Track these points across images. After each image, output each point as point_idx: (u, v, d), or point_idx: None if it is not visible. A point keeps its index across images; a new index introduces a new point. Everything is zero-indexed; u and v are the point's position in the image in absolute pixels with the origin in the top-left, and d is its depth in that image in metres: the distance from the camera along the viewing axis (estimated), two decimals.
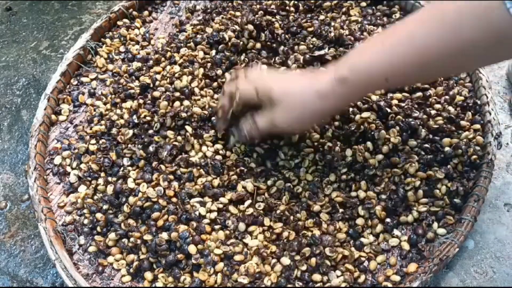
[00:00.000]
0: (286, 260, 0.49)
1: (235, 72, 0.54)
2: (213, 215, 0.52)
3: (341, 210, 0.53)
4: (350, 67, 0.46)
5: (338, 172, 0.55)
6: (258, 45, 0.65)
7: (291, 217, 0.52)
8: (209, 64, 0.64)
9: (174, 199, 0.54)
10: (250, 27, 0.64)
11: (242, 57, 0.64)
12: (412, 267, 0.50)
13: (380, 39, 0.47)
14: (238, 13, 0.69)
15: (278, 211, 0.52)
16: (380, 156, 0.55)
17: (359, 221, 0.53)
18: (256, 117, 0.51)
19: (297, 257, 0.49)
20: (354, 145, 0.56)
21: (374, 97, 0.58)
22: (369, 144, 0.56)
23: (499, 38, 0.39)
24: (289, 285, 0.48)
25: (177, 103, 0.59)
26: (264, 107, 0.50)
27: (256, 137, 0.54)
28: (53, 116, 0.63)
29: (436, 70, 0.47)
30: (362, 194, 0.54)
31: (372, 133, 0.56)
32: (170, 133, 0.57)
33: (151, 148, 0.56)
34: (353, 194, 0.54)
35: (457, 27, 0.40)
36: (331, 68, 0.48)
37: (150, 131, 0.58)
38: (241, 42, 0.64)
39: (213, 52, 0.65)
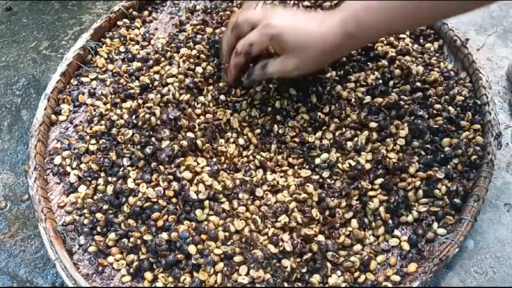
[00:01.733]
0: (286, 262, 0.49)
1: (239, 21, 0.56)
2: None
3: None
4: (359, 24, 0.49)
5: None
6: None
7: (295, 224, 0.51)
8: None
9: (174, 200, 0.54)
10: None
11: None
12: (412, 267, 0.50)
13: None
14: None
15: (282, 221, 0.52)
16: None
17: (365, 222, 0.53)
18: (266, 63, 0.56)
19: (298, 260, 0.49)
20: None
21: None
22: None
23: None
24: (288, 286, 0.48)
25: None
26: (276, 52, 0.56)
27: (262, 81, 0.60)
28: (53, 116, 0.63)
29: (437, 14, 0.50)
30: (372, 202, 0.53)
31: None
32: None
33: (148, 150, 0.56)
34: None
35: None
36: (336, 17, 0.50)
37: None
38: None
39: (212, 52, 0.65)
